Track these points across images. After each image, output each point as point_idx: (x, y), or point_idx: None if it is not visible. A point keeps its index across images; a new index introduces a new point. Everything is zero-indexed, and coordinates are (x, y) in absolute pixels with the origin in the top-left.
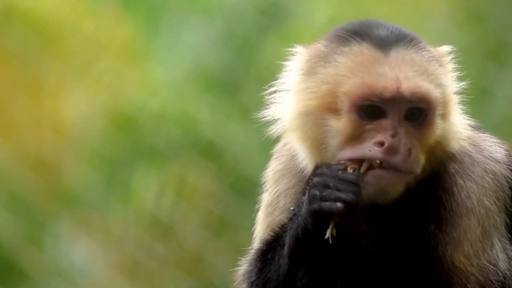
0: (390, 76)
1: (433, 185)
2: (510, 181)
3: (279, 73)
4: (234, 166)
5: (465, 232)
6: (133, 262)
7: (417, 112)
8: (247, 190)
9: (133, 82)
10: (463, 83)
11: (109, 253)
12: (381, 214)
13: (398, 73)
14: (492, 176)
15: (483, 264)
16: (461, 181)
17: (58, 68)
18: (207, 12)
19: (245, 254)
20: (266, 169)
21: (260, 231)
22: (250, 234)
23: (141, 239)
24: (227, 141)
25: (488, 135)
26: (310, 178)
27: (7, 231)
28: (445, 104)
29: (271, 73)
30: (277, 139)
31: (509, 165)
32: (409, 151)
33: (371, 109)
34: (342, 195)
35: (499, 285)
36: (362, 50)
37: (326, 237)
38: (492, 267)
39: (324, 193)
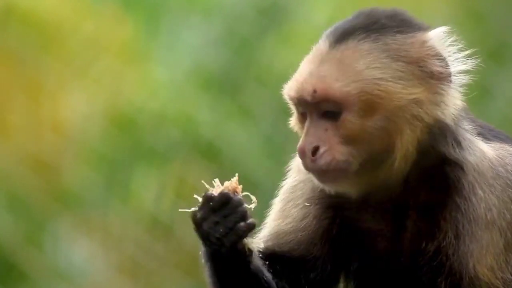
0: (302, 76)
1: (451, 189)
2: None
3: (279, 73)
4: (234, 166)
5: (487, 244)
6: (133, 262)
7: (332, 110)
8: (247, 190)
9: (133, 82)
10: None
11: (109, 253)
12: (399, 212)
13: (311, 73)
14: None
15: (508, 277)
16: (480, 192)
17: (58, 68)
18: (207, 12)
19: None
20: (266, 169)
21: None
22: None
23: (141, 239)
24: (227, 141)
25: None
26: (194, 217)
27: (7, 231)
28: (379, 99)
29: (271, 73)
30: (277, 141)
31: None
32: (315, 149)
33: (299, 109)
34: (236, 218)
35: None
36: (317, 47)
37: (247, 253)
38: None
39: (221, 231)
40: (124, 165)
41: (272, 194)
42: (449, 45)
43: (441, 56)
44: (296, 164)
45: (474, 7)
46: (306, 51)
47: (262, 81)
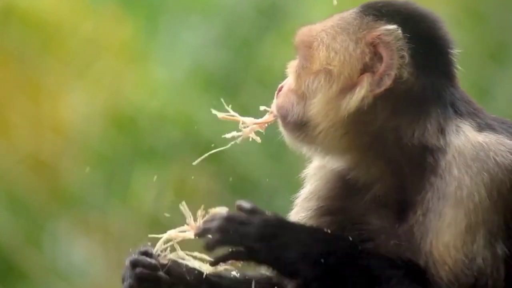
0: None
1: (429, 171)
2: (507, 189)
3: (279, 73)
4: (234, 166)
5: (450, 222)
6: None
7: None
8: (247, 190)
9: (133, 82)
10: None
11: (109, 253)
12: (402, 207)
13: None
14: (487, 176)
15: (460, 258)
16: (456, 171)
17: (57, 68)
18: (207, 12)
19: None
20: (265, 169)
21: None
22: None
23: (141, 239)
24: (226, 141)
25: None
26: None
27: (6, 231)
28: (321, 60)
29: (271, 73)
30: (277, 141)
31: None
32: (280, 89)
33: None
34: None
35: (475, 280)
36: None
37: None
38: (467, 261)
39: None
40: (124, 165)
41: (271, 194)
42: (399, 47)
43: (387, 50)
44: (309, 171)
45: (474, 7)
46: None
47: (262, 81)
